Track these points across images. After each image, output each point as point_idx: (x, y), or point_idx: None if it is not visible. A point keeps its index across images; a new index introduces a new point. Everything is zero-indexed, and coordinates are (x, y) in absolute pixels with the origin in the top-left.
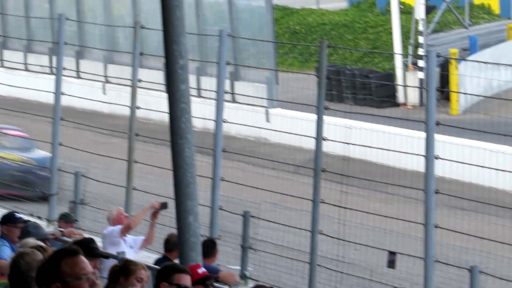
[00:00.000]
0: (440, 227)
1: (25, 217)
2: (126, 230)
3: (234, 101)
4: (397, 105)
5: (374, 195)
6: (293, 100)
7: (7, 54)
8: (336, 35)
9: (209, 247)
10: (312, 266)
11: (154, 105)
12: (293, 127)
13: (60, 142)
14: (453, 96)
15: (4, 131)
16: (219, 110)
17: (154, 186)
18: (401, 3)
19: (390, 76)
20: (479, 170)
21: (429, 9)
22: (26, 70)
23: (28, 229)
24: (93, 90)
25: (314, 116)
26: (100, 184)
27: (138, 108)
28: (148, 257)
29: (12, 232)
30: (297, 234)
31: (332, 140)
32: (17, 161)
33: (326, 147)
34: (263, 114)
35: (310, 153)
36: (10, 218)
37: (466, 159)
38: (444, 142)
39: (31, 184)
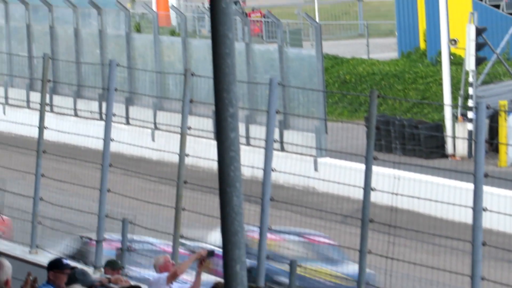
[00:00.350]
0: (486, 279)
1: (72, 264)
2: (173, 277)
3: (283, 149)
4: (445, 156)
5: (421, 246)
6: (341, 150)
7: (57, 100)
8: (386, 85)
9: None
10: None
11: (203, 152)
12: (341, 176)
13: (108, 189)
14: (502, 148)
15: (309, 237)
16: (267, 158)
17: (202, 234)
18: (451, 54)
19: (439, 127)
20: None
21: (480, 61)
22: (76, 115)
23: (75, 276)
24: (142, 136)
25: (362, 166)
26: (147, 231)
27: (187, 155)
28: None
29: (59, 278)
30: None
31: (380, 191)
32: (329, 277)
33: (374, 197)
34: (311, 163)
35: (358, 203)
36: (57, 264)
37: None
38: (492, 194)
39: None
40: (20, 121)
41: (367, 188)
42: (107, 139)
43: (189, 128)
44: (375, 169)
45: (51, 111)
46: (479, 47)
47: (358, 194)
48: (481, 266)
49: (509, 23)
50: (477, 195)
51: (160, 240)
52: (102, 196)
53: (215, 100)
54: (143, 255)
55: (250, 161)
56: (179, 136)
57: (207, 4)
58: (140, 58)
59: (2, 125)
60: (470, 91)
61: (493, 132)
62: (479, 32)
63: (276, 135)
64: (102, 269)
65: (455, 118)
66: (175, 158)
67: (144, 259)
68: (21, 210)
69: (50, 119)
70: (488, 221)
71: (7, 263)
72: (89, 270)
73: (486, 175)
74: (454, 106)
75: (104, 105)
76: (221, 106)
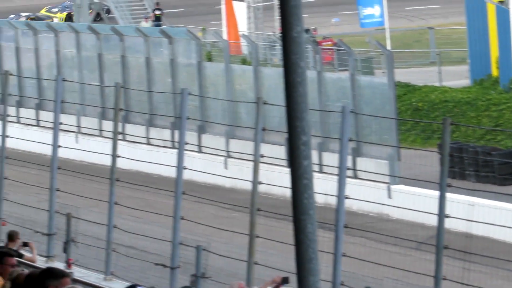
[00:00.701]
0: None
1: None
2: None
3: (356, 177)
4: None
5: (496, 272)
6: (415, 177)
7: (129, 128)
8: (458, 113)
9: None
10: None
11: (276, 180)
12: (415, 203)
13: (182, 216)
14: None
15: None
16: (341, 185)
17: (276, 261)
18: None
19: None
20: None
21: None
22: (148, 144)
23: None
24: (215, 164)
25: (436, 193)
26: (222, 258)
27: (260, 183)
28: None
29: None
30: None
31: (455, 217)
32: None
33: (449, 224)
34: (385, 191)
35: (432, 229)
36: None
37: None
38: None
39: None
40: (93, 150)
41: (441, 214)
42: (180, 167)
43: (262, 156)
44: (449, 195)
45: (124, 139)
46: None
47: (433, 221)
48: None
49: None
50: None
51: None
52: (176, 223)
53: (287, 128)
54: (217, 281)
55: (323, 188)
56: (252, 163)
57: (278, 33)
58: (212, 86)
59: (75, 154)
60: None
61: None
62: None
63: (349, 163)
64: None
65: None
66: (248, 186)
67: (218, 285)
68: (95, 238)
69: (122, 147)
70: None
71: None
72: None
73: None
74: None
75: (176, 133)
76: (294, 134)
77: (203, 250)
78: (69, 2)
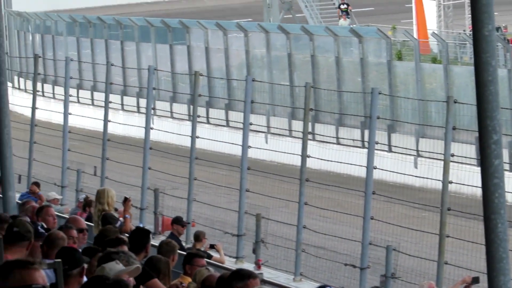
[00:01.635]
0: None
1: None
2: None
3: None
4: None
5: None
6: None
7: (319, 128)
8: None
9: None
10: None
11: (466, 179)
12: None
13: (372, 216)
14: None
15: None
16: None
17: (466, 261)
18: None
19: None
20: None
21: None
22: (338, 143)
23: None
24: (405, 164)
25: None
26: (411, 258)
27: (450, 182)
28: None
29: None
30: None
31: None
32: None
33: None
34: None
35: None
36: None
37: None
38: None
39: None
40: (282, 150)
41: None
42: (370, 166)
43: (452, 155)
44: None
45: (313, 139)
46: None
47: None
48: None
49: None
50: None
51: None
52: (366, 223)
53: (478, 127)
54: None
55: None
56: (442, 163)
57: (468, 31)
58: (402, 85)
59: (265, 154)
60: None
61: None
62: None
63: None
64: None
65: None
66: (438, 185)
67: (408, 286)
68: (284, 238)
69: (312, 147)
70: None
71: None
72: None
73: None
74: None
75: (366, 133)
76: (485, 133)
77: (393, 250)
78: None
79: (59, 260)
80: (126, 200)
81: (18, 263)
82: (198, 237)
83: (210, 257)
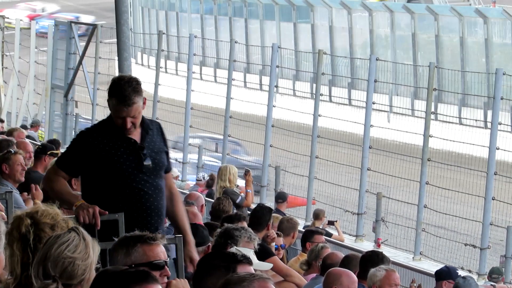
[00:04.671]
0: None
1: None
2: None
3: None
4: None
5: None
6: None
7: (442, 108)
8: None
9: None
10: None
11: None
12: None
13: (493, 197)
14: None
15: None
16: None
17: None
18: None
19: None
20: None
21: None
22: (460, 124)
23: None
24: None
25: None
26: None
27: None
28: None
29: None
30: None
31: None
32: None
33: None
34: None
35: None
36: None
37: None
38: None
39: None
40: (404, 129)
41: None
42: (492, 147)
43: None
44: None
45: (436, 119)
46: None
47: None
48: None
49: None
50: None
51: None
52: (487, 203)
53: None
54: None
55: None
56: None
57: None
58: None
59: (387, 133)
60: None
61: None
62: None
63: None
64: (486, 277)
65: None
66: None
67: None
68: (405, 217)
69: (434, 127)
70: None
71: None
72: (474, 276)
73: None
74: None
75: (489, 113)
76: None
77: None
78: None
79: (180, 235)
80: (247, 173)
81: (139, 238)
82: (318, 215)
83: (330, 235)
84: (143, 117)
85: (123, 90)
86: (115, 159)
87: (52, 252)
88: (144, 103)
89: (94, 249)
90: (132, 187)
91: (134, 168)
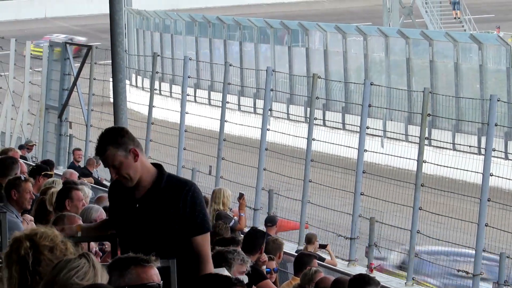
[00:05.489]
0: None
1: None
2: None
3: None
4: None
5: None
6: None
7: (436, 133)
8: None
9: None
10: None
11: None
12: None
13: (486, 223)
14: None
15: None
16: None
17: None
18: None
19: None
20: None
21: None
22: (454, 150)
23: None
24: None
25: None
26: None
27: None
28: None
29: None
30: None
31: None
32: None
33: None
34: None
35: None
36: None
37: None
38: None
39: None
40: (398, 154)
41: None
42: (486, 173)
43: None
44: None
45: (430, 145)
46: None
47: None
48: None
49: None
50: None
51: None
52: (480, 230)
53: None
54: None
55: None
56: None
57: None
58: None
59: (380, 158)
60: None
61: None
62: None
63: None
64: None
65: None
66: None
67: None
68: (397, 242)
69: (428, 152)
70: None
71: None
72: None
73: None
74: None
75: (483, 139)
76: None
77: (507, 257)
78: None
79: (174, 259)
80: (241, 197)
81: (133, 260)
82: (310, 239)
83: (323, 259)
84: (161, 176)
85: (98, 139)
86: (116, 215)
87: (61, 277)
88: (137, 155)
89: (102, 277)
90: (129, 245)
91: (128, 227)
